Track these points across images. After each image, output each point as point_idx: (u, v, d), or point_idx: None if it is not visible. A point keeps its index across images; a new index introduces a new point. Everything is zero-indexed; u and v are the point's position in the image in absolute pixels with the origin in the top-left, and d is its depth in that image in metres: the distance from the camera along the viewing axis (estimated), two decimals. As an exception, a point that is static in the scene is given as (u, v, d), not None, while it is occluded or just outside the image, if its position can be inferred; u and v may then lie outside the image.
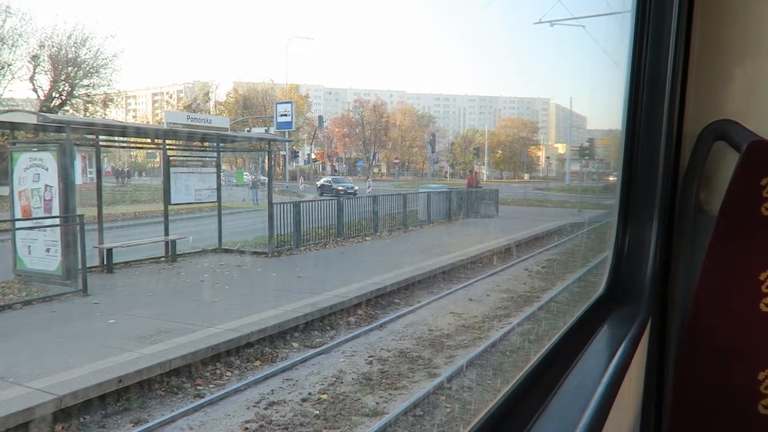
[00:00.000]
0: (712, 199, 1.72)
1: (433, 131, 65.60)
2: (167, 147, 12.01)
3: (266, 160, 15.31)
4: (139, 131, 10.31)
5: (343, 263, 12.35)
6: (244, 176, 33.46)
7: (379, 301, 9.13)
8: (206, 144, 12.82)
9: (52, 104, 27.00)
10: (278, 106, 17.63)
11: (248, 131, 19.65)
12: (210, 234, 13.64)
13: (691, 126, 1.77)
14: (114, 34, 43.45)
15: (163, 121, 13.22)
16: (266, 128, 18.29)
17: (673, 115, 1.73)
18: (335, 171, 65.27)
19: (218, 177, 13.19)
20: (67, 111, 27.80)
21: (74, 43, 27.44)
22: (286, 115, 16.57)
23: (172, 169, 12.10)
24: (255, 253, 12.95)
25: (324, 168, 67.24)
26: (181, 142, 12.42)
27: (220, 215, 13.35)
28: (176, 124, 11.20)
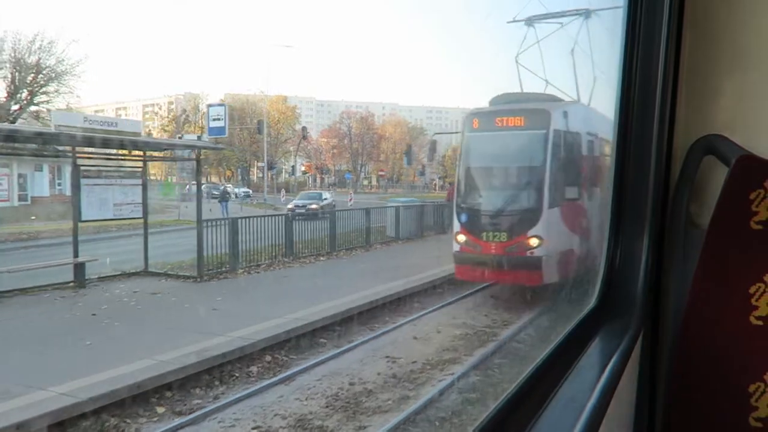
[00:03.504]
0: (703, 212, 1.72)
1: (410, 143, 63.98)
2: (78, 155, 10.38)
3: (240, 171, 13.60)
4: (10, 136, 8.63)
5: (277, 290, 10.69)
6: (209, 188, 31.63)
7: (299, 342, 7.46)
8: (127, 152, 11.19)
9: (11, 110, 25.37)
10: (210, 109, 15.87)
11: (179, 138, 17.98)
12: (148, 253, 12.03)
13: (681, 140, 1.79)
14: (77, 39, 41.63)
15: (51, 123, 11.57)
16: (199, 135, 16.62)
17: (663, 130, 1.76)
18: (324, 183, 63.69)
19: (144, 189, 11.56)
20: (25, 120, 26.19)
21: (38, 47, 25.77)
22: (218, 119, 14.87)
23: (83, 181, 10.47)
24: (184, 276, 11.29)
25: (315, 180, 65.72)
26: (95, 150, 10.79)
27: (146, 233, 11.69)
28: (67, 126, 9.59)
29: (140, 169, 11.55)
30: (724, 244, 1.63)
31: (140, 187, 11.48)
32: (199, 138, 15.21)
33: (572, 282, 8.37)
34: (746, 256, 1.62)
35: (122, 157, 11.28)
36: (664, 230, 1.80)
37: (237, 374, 6.39)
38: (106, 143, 9.61)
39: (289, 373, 6.50)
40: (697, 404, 1.67)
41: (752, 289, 1.61)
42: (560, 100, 10.50)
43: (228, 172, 54.88)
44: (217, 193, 27.03)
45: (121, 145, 10.38)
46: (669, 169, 1.81)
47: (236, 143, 51.60)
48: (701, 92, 1.77)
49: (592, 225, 9.90)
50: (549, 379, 1.25)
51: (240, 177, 54.03)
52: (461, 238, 9.72)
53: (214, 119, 14.87)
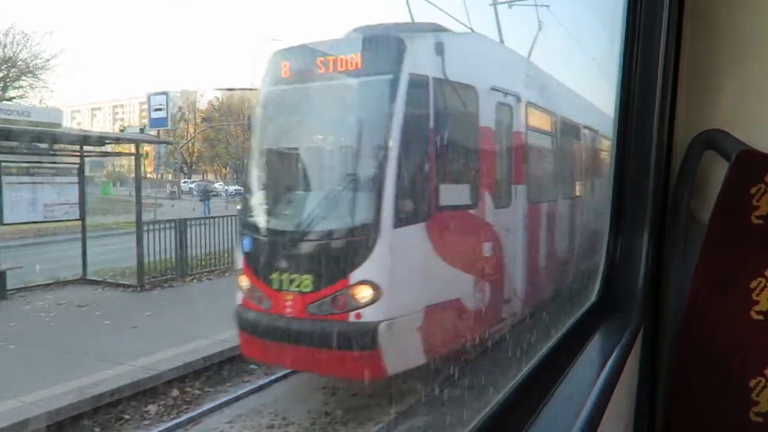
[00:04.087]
0: (703, 207, 1.73)
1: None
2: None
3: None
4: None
5: (223, 300, 9.47)
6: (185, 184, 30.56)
7: (221, 369, 6.27)
8: (58, 147, 9.98)
9: (-20, 108, 24.29)
10: (151, 98, 14.39)
11: (122, 131, 16.73)
12: (100, 258, 10.95)
13: (681, 135, 1.80)
14: (51, 32, 40.23)
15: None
16: (141, 128, 15.31)
17: (664, 125, 1.76)
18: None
19: (81, 187, 10.36)
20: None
21: (12, 41, 24.57)
22: (160, 109, 13.49)
23: (4, 179, 9.28)
24: (123, 285, 10.12)
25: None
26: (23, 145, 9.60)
27: (84, 236, 10.54)
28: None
29: (76, 166, 10.35)
30: (725, 239, 1.64)
31: (77, 185, 10.29)
32: (141, 131, 13.92)
33: (465, 369, 4.56)
34: (747, 251, 1.63)
35: (52, 152, 10.07)
36: (665, 225, 1.80)
37: (128, 415, 5.20)
38: (9, 135, 8.39)
39: (197, 412, 5.32)
40: (698, 399, 1.67)
41: (753, 284, 1.61)
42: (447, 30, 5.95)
43: (223, 170, 53.86)
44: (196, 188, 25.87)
45: (36, 138, 9.20)
46: (669, 164, 1.81)
47: (230, 140, 50.61)
48: (702, 87, 1.78)
49: (513, 249, 6.11)
50: (549, 376, 1.23)
51: (234, 174, 52.95)
52: (243, 282, 5.26)
53: (155, 109, 13.55)
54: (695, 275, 1.65)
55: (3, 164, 9.32)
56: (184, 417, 5.21)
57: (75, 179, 10.32)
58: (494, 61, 6.42)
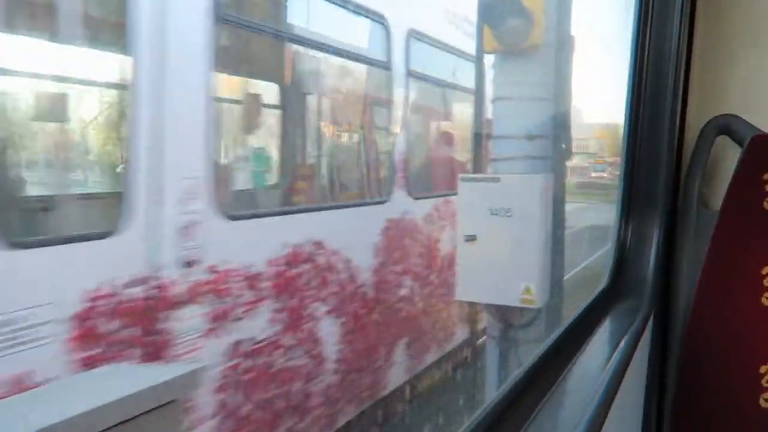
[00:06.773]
0: (715, 193, 1.75)
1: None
2: None
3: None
4: None
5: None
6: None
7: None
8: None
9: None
10: None
11: None
12: None
13: (693, 120, 1.81)
14: None
15: None
16: None
17: (676, 109, 1.77)
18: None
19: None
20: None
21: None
22: None
23: None
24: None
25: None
26: None
27: None
28: None
29: None
30: (737, 225, 1.64)
31: None
32: None
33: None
34: (759, 238, 1.64)
35: None
36: (676, 211, 1.80)
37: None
38: None
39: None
40: (707, 385, 1.68)
41: (764, 271, 1.62)
42: None
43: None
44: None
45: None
46: (681, 148, 1.81)
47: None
48: (715, 71, 1.77)
49: None
50: (560, 359, 1.25)
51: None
52: None
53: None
54: (706, 261, 1.66)
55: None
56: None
57: None
58: None
